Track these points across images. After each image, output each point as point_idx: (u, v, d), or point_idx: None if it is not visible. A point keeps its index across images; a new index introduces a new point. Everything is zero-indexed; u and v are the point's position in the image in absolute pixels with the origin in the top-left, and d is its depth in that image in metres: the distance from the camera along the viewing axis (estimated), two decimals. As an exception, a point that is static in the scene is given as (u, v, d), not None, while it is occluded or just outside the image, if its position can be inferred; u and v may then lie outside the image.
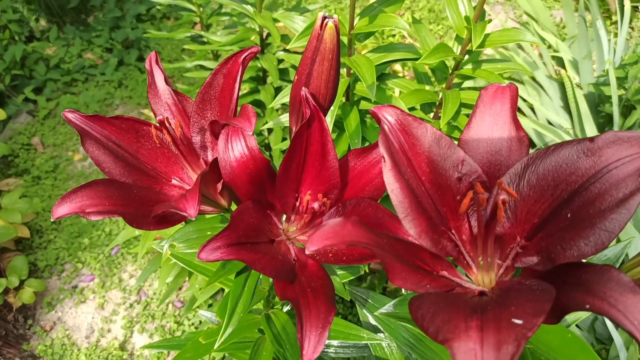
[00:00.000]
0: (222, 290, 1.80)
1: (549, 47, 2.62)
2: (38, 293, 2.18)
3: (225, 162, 0.66)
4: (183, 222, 1.21)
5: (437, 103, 1.30)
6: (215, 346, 0.79)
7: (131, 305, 2.16)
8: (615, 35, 2.59)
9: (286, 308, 1.10)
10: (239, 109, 0.74)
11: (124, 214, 0.67)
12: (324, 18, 0.65)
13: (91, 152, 0.73)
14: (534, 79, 2.43)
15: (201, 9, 2.03)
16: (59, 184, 2.62)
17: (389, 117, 0.59)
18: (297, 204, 0.74)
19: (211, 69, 1.84)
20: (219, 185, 0.76)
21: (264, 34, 1.69)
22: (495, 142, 0.63)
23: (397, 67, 3.07)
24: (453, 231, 0.61)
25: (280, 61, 1.76)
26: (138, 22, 3.42)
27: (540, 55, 2.71)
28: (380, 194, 0.74)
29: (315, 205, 0.68)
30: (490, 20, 1.04)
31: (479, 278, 0.62)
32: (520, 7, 3.05)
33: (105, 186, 0.69)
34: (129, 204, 0.70)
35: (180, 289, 2.22)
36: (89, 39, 3.32)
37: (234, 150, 0.66)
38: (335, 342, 1.18)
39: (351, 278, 1.01)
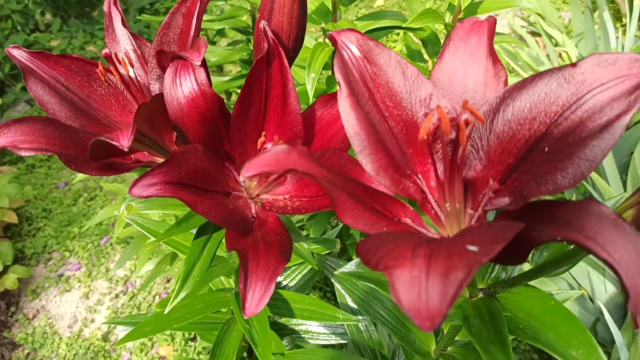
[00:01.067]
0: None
1: (556, 45, 2.55)
2: (23, 280, 2.13)
3: (172, 98, 0.60)
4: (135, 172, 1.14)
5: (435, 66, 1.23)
6: (166, 310, 0.72)
7: (117, 296, 2.10)
8: (625, 33, 2.51)
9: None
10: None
11: (61, 154, 0.61)
12: (284, -59, 0.59)
13: (35, 91, 0.67)
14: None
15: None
16: (52, 173, 2.58)
17: (348, 42, 0.52)
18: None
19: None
20: (175, 134, 0.71)
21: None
22: (469, 78, 0.56)
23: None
24: (419, 176, 0.54)
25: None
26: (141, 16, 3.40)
27: (548, 57, 2.64)
28: (348, 145, 0.68)
29: (269, 146, 0.61)
30: (482, -17, 0.98)
31: (447, 229, 0.55)
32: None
33: (45, 124, 0.63)
34: (70, 145, 0.64)
35: (168, 281, 2.16)
36: (92, 31, 3.31)
37: (182, 85, 0.60)
38: (311, 326, 1.10)
39: (326, 252, 0.94)
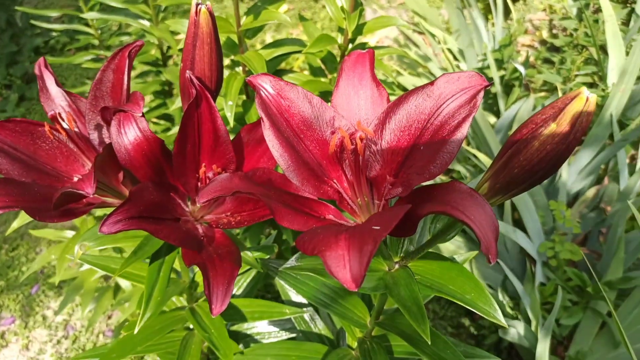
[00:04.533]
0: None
1: (439, 42, 2.84)
2: (-47, 345, 2.04)
3: (120, 146, 0.70)
4: (89, 215, 1.22)
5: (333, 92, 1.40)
6: (135, 330, 0.82)
7: (59, 342, 2.07)
8: (494, 25, 2.87)
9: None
10: (132, 101, 0.78)
11: (25, 208, 0.69)
12: (197, 5, 0.71)
13: (-14, 156, 0.74)
14: (429, 71, 2.63)
15: (99, 32, 2.03)
16: (-35, 229, 2.47)
17: (264, 84, 0.66)
18: (199, 184, 0.79)
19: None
20: (122, 175, 0.80)
21: (164, 47, 1.73)
22: (361, 100, 0.72)
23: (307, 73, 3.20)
24: (335, 180, 0.69)
25: (183, 73, 1.80)
26: (37, 55, 3.31)
27: (435, 54, 2.94)
28: (274, 162, 0.81)
29: (211, 174, 0.73)
30: (363, 9, 1.15)
31: (362, 218, 0.70)
32: (410, 10, 3.28)
33: (4, 184, 0.70)
34: (30, 199, 0.72)
35: (109, 318, 2.17)
36: None
37: (127, 134, 0.71)
38: (262, 327, 1.22)
39: (266, 257, 1.07)
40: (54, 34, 3.24)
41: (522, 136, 0.59)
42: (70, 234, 1.59)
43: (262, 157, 0.81)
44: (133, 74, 2.29)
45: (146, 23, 1.65)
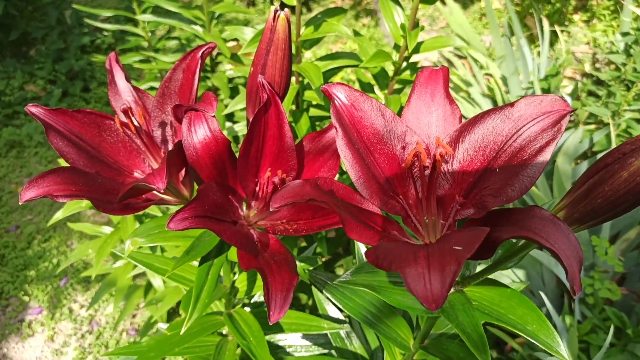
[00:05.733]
0: (176, 311, 1.79)
1: (481, 67, 2.82)
2: (-20, 329, 2.07)
3: (189, 145, 0.70)
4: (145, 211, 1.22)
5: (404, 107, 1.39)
6: (182, 331, 0.81)
7: (83, 336, 2.08)
8: (539, 54, 2.83)
9: (247, 308, 1.13)
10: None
11: (90, 198, 0.69)
12: (276, 11, 0.72)
13: (55, 144, 0.75)
14: (469, 95, 2.61)
15: (149, 34, 2.07)
16: (1, 217, 2.52)
17: (339, 93, 0.65)
18: (257, 189, 0.79)
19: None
20: (182, 174, 0.80)
21: (214, 53, 1.75)
22: (432, 116, 0.70)
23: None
24: (400, 197, 0.68)
25: (230, 80, 1.82)
26: (83, 54, 3.40)
27: (475, 77, 2.92)
28: (334, 173, 0.80)
29: (276, 179, 0.73)
30: (422, 27, 1.15)
31: (425, 237, 0.68)
32: (453, 33, 3.27)
33: (71, 173, 0.71)
34: (94, 190, 0.72)
35: (134, 317, 2.17)
36: (30, 71, 3.26)
37: (197, 133, 0.71)
38: (295, 340, 1.20)
39: (310, 268, 1.06)
40: (105, 33, 3.32)
41: (606, 165, 0.57)
42: (106, 229, 1.60)
43: (322, 166, 0.80)
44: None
45: (198, 29, 1.67)
